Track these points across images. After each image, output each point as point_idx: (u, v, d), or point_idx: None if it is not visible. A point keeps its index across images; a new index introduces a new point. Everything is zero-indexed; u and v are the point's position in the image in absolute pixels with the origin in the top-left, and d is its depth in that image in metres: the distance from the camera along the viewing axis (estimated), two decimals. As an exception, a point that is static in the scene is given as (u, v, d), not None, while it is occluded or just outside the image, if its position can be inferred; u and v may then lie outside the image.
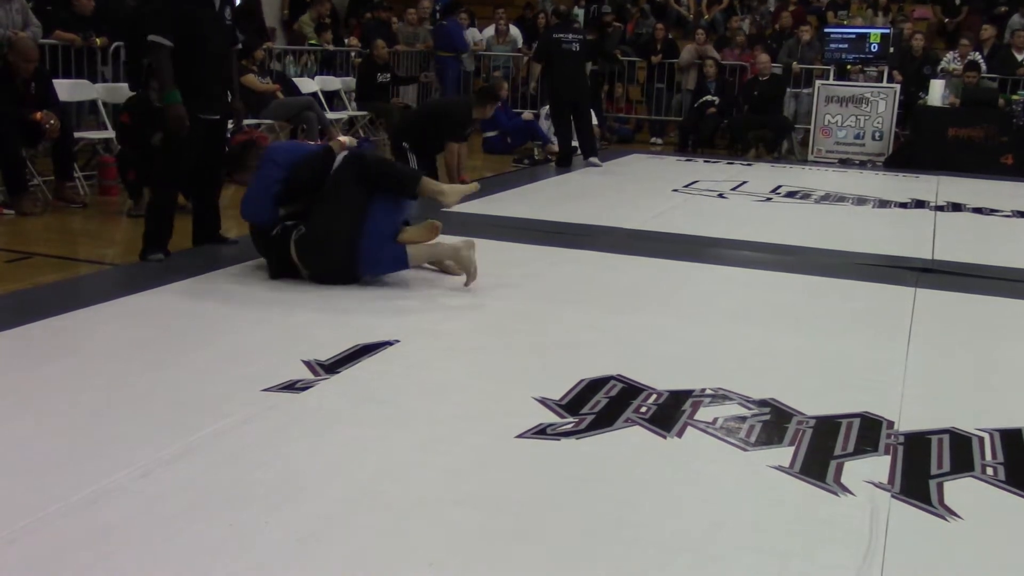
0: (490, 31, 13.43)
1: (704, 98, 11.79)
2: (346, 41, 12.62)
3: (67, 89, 7.59)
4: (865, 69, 11.36)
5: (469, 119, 8.03)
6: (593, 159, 9.75)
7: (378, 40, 11.17)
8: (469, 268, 4.66)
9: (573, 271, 5.29)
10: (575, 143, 9.89)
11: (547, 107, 11.27)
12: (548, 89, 10.09)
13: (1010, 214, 7.79)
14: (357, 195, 4.60)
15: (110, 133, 7.47)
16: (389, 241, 4.63)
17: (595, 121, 10.46)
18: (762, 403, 3.31)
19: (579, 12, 13.08)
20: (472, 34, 13.41)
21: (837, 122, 11.17)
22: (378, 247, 4.60)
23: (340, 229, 4.56)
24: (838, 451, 2.95)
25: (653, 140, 12.82)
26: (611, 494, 2.62)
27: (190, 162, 5.22)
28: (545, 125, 10.85)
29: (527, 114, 11.41)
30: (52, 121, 6.55)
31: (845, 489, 2.69)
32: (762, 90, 11.24)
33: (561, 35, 9.64)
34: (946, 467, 2.88)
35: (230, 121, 5.51)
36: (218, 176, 5.58)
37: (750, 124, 11.44)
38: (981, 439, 3.08)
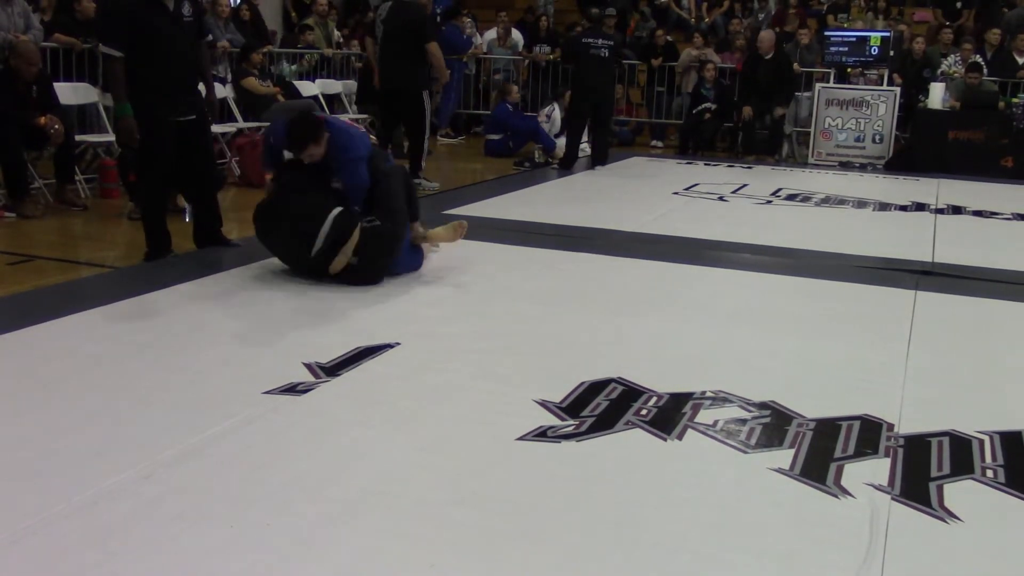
0: (491, 34, 13.44)
1: (701, 106, 11.79)
2: (339, 33, 12.61)
3: (68, 92, 7.60)
4: (865, 72, 11.35)
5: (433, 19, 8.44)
6: (601, 168, 9.82)
7: None
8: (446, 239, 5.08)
9: (574, 274, 5.30)
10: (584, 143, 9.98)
11: (547, 108, 11.30)
12: (572, 92, 10.12)
13: (1010, 217, 7.80)
14: (404, 200, 4.94)
15: (111, 136, 7.48)
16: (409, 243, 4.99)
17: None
18: (762, 405, 3.32)
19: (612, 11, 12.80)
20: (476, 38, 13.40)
21: (837, 125, 11.18)
22: (408, 246, 4.96)
23: (400, 227, 4.84)
24: (838, 453, 2.95)
25: (653, 143, 12.83)
26: (611, 496, 2.63)
27: (164, 166, 5.17)
28: (546, 127, 10.86)
29: (542, 115, 11.32)
30: (56, 126, 6.57)
31: (845, 491, 2.70)
32: (766, 70, 11.08)
33: (591, 40, 9.69)
34: (946, 469, 2.88)
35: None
36: (211, 176, 5.56)
37: (751, 127, 11.41)
38: (981, 441, 3.09)
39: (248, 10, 11.39)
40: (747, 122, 11.39)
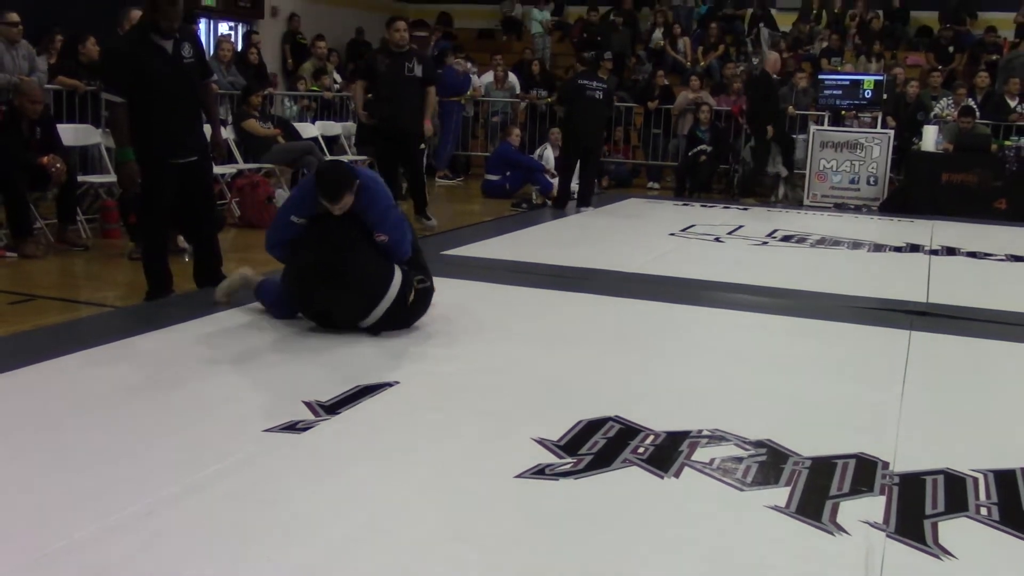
0: (488, 77, 13.59)
1: (697, 148, 11.93)
2: (337, 78, 12.75)
3: (70, 134, 7.69)
4: (859, 115, 11.49)
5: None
6: (584, 208, 9.99)
7: None
8: None
9: (571, 313, 5.33)
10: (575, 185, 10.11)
11: (539, 149, 11.49)
12: (564, 133, 10.38)
13: (1004, 258, 7.86)
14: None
15: (112, 177, 7.54)
16: None
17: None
18: (758, 444, 3.34)
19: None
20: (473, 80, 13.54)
21: (832, 167, 11.29)
22: None
23: (432, 282, 4.86)
24: (834, 491, 2.97)
25: (650, 184, 12.94)
26: (609, 533, 2.64)
27: (166, 207, 5.21)
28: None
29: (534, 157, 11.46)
30: (58, 165, 6.64)
31: (841, 529, 2.72)
32: (775, 92, 11.33)
33: (586, 82, 9.85)
34: (940, 507, 2.90)
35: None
36: (212, 217, 5.60)
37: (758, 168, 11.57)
38: (975, 479, 3.11)
39: (256, 53, 11.58)
40: (751, 163, 11.57)
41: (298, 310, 4.73)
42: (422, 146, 7.89)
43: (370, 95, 8.19)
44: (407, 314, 4.67)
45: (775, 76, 11.40)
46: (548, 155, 11.32)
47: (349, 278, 4.45)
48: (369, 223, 4.56)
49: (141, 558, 2.39)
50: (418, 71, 7.81)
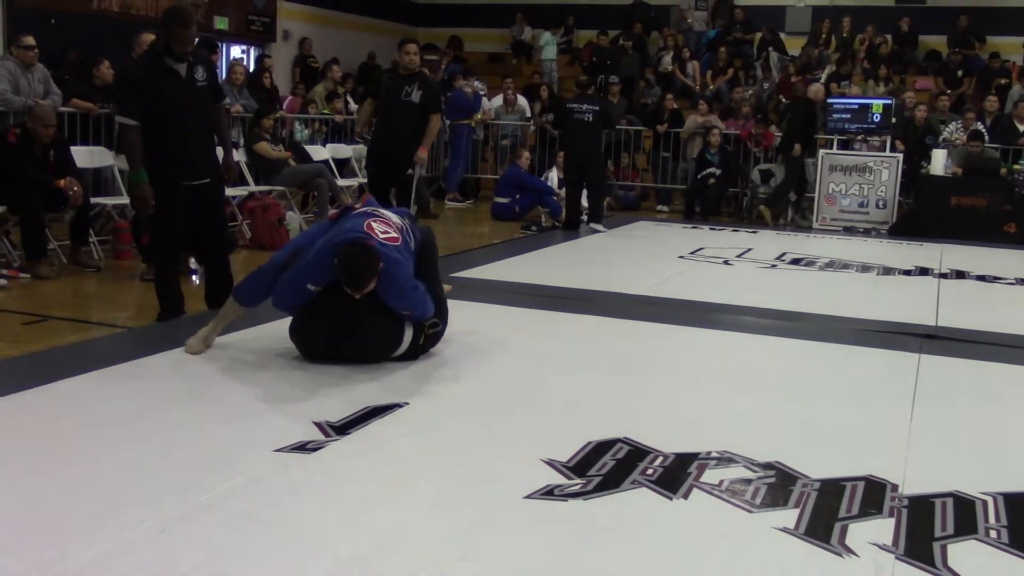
0: (498, 100, 13.67)
1: (706, 171, 11.98)
2: (350, 101, 12.84)
3: (84, 156, 7.76)
4: (868, 138, 11.51)
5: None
6: (596, 225, 10.16)
7: None
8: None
9: (580, 336, 5.35)
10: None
11: (545, 172, 11.64)
12: (563, 154, 10.73)
13: (1013, 282, 7.85)
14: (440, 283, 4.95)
15: (125, 199, 7.60)
16: None
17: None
18: (767, 466, 3.35)
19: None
20: (484, 102, 13.63)
21: (841, 190, 11.30)
22: None
23: (446, 321, 4.82)
24: (843, 513, 2.98)
25: (659, 208, 12.98)
26: (618, 555, 2.65)
27: (178, 229, 5.26)
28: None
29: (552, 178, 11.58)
30: (75, 188, 6.70)
31: (850, 551, 2.72)
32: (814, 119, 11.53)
33: (575, 105, 10.19)
34: (950, 530, 2.90)
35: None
36: (223, 238, 5.64)
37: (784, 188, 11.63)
38: (985, 502, 3.11)
39: (269, 77, 11.71)
40: (759, 184, 11.65)
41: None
42: (409, 171, 7.74)
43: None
44: (416, 354, 4.64)
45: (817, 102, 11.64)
46: (553, 177, 11.48)
47: (359, 345, 4.47)
48: (387, 304, 4.40)
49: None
50: (415, 97, 7.52)
